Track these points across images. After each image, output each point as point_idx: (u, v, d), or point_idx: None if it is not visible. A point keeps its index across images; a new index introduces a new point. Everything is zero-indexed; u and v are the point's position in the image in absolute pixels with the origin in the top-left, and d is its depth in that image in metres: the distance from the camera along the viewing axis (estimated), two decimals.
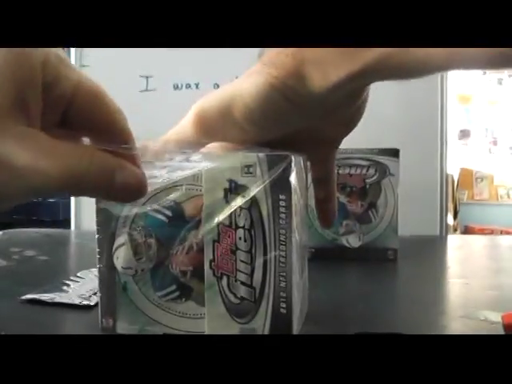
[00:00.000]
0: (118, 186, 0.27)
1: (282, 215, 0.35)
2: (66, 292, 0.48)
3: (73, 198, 1.22)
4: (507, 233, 3.40)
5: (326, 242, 0.67)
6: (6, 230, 0.97)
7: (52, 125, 0.27)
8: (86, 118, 0.28)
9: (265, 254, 0.35)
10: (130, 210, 0.37)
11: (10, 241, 0.86)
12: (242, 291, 0.35)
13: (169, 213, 0.37)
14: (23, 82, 0.25)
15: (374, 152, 0.66)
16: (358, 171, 0.67)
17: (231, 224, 0.35)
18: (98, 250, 0.38)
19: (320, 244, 0.66)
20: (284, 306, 0.35)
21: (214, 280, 0.36)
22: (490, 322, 0.42)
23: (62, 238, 0.96)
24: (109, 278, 0.38)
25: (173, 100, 1.17)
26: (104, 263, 0.38)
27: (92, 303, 0.45)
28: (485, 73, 3.70)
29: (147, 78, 1.19)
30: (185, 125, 0.37)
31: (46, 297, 0.46)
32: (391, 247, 0.66)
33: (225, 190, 0.35)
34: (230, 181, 0.35)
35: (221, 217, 0.35)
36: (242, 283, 0.35)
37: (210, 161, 0.35)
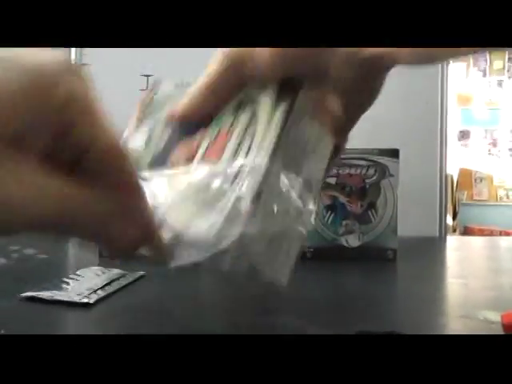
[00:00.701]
0: (115, 234, 0.26)
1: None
2: (66, 290, 0.48)
3: None
4: (506, 233, 3.40)
5: (325, 241, 0.67)
6: None
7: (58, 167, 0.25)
8: (95, 175, 0.26)
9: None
10: None
11: (9, 239, 0.86)
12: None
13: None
14: (35, 120, 0.23)
15: (374, 152, 0.67)
16: (358, 171, 0.67)
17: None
18: None
19: (319, 244, 0.66)
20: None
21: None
22: (489, 321, 0.42)
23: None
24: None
25: (174, 99, 1.16)
26: None
27: (91, 301, 0.45)
28: (485, 74, 3.70)
29: (147, 77, 1.19)
30: (214, 71, 0.37)
31: (45, 295, 0.46)
32: (390, 247, 0.66)
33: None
34: None
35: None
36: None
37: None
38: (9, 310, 0.44)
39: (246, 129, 0.35)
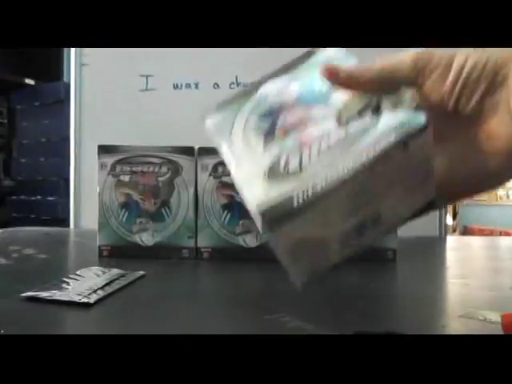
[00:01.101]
0: None
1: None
2: (66, 290, 0.48)
3: (72, 197, 1.22)
4: (506, 233, 3.40)
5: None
6: (5, 229, 0.97)
7: None
8: None
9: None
10: None
11: (9, 239, 0.87)
12: (293, 163, 0.34)
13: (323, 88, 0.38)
14: None
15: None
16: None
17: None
18: None
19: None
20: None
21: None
22: (489, 321, 0.42)
23: (61, 237, 0.96)
24: (248, 91, 0.40)
25: (173, 100, 1.17)
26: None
27: (91, 301, 0.45)
28: None
29: (147, 77, 1.19)
30: (402, 59, 0.36)
31: (45, 294, 0.46)
32: (390, 247, 0.66)
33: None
34: None
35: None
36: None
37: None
38: (9, 310, 0.44)
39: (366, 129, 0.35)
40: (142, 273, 0.57)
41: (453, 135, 0.36)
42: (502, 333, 0.36)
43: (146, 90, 1.19)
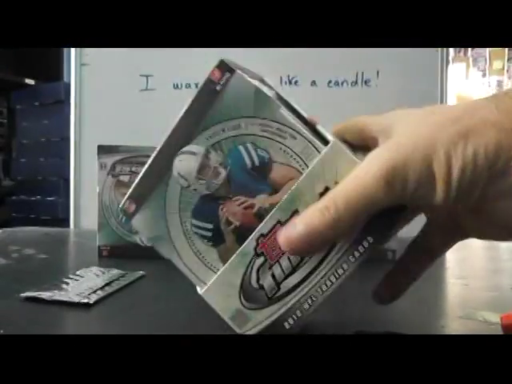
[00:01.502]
0: None
1: (356, 254, 0.34)
2: (65, 290, 0.48)
3: (72, 197, 1.22)
4: None
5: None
6: (5, 229, 0.97)
7: None
8: None
9: (314, 270, 0.33)
10: (234, 128, 0.33)
11: (9, 239, 0.87)
12: (267, 282, 0.33)
13: (256, 160, 0.33)
14: None
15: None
16: None
17: None
18: (178, 124, 0.35)
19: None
20: (291, 322, 0.34)
21: (252, 252, 0.33)
22: (488, 322, 0.42)
23: (61, 237, 0.96)
24: (160, 167, 0.35)
25: (173, 99, 1.16)
26: (167, 147, 0.35)
27: (91, 301, 0.45)
28: (485, 75, 3.70)
29: (147, 77, 1.19)
30: (367, 179, 0.30)
31: (45, 295, 0.46)
32: (390, 248, 0.66)
33: (320, 193, 0.32)
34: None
35: (301, 208, 0.32)
36: (273, 276, 0.33)
37: (334, 154, 0.32)
38: (9, 310, 0.44)
39: None
40: (141, 273, 0.57)
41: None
42: (501, 333, 0.36)
43: (146, 89, 1.19)
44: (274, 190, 0.33)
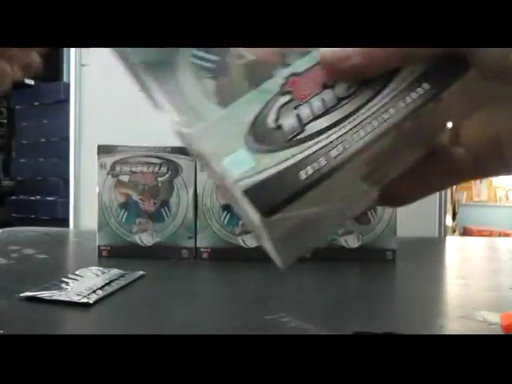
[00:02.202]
0: None
1: (408, 99, 0.25)
2: (65, 290, 0.48)
3: (72, 197, 1.22)
4: (505, 234, 3.41)
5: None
6: (4, 229, 0.97)
7: None
8: None
9: (352, 113, 0.27)
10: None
11: (8, 239, 0.87)
12: (289, 122, 0.27)
13: None
14: None
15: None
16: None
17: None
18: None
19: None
20: (309, 172, 0.26)
21: (276, 90, 0.28)
22: (488, 322, 0.42)
23: (61, 237, 0.96)
24: None
25: None
26: None
27: (91, 301, 0.45)
28: None
29: None
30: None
31: (44, 294, 0.46)
32: (390, 248, 0.66)
33: None
34: None
35: None
36: (298, 117, 0.27)
37: None
38: (9, 310, 0.44)
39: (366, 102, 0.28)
40: (141, 273, 0.57)
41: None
42: (500, 333, 0.36)
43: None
44: None
